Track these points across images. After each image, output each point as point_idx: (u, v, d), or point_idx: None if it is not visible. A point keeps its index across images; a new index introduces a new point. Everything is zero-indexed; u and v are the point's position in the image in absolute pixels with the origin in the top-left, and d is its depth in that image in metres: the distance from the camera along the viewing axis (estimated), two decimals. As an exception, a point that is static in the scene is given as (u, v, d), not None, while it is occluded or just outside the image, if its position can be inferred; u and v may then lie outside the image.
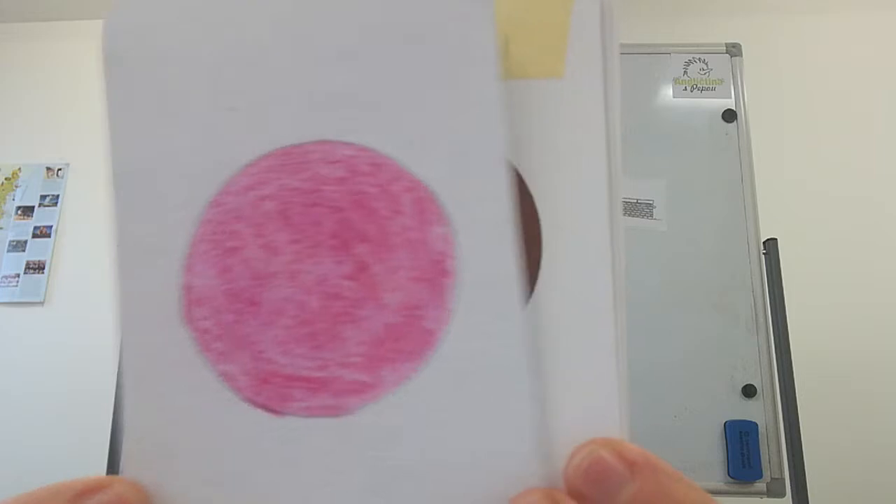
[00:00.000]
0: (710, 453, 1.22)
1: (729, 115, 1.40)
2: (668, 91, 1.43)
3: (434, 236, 0.21)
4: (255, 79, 0.22)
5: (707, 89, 1.43)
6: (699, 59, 1.45)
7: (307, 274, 0.21)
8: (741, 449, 1.21)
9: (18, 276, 2.30)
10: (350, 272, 0.21)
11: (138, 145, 0.22)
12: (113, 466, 1.27)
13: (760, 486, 1.20)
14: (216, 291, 0.21)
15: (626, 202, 1.34)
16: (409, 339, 0.21)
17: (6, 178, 2.41)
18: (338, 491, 0.20)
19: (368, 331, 0.21)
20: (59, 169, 2.40)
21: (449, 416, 0.20)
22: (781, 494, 1.20)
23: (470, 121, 0.22)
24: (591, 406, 0.21)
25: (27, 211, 2.37)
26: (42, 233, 2.34)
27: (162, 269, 0.21)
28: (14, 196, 2.39)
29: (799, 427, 1.24)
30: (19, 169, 2.41)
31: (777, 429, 1.23)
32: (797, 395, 1.27)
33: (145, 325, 0.22)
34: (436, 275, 0.21)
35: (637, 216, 1.33)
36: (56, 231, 2.34)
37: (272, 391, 0.21)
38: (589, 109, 0.22)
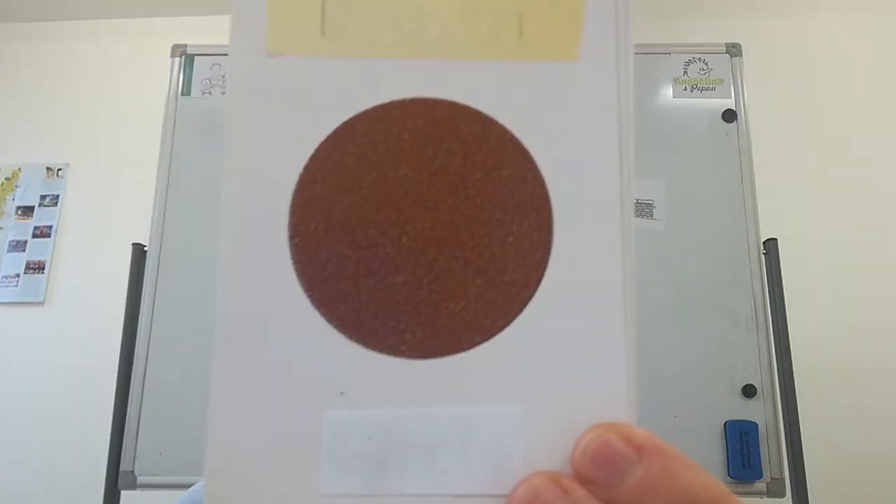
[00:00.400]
0: (710, 453, 1.22)
1: (729, 115, 1.40)
2: (668, 91, 1.43)
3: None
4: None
5: (707, 89, 1.43)
6: (699, 59, 1.45)
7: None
8: (741, 449, 1.21)
9: (18, 276, 2.30)
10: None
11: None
12: (113, 466, 1.27)
13: (760, 486, 1.20)
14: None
15: (626, 202, 1.34)
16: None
17: (6, 178, 2.41)
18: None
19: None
20: (59, 169, 2.40)
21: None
22: (781, 494, 1.20)
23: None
24: (600, 391, 0.21)
25: (27, 211, 2.37)
26: (42, 233, 2.34)
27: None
28: (14, 196, 2.39)
29: (799, 427, 1.24)
30: (19, 169, 2.41)
31: (777, 429, 1.23)
32: (797, 395, 1.27)
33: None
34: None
35: (637, 216, 1.33)
36: (56, 231, 2.34)
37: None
38: (602, 94, 0.22)
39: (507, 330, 0.21)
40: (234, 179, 0.22)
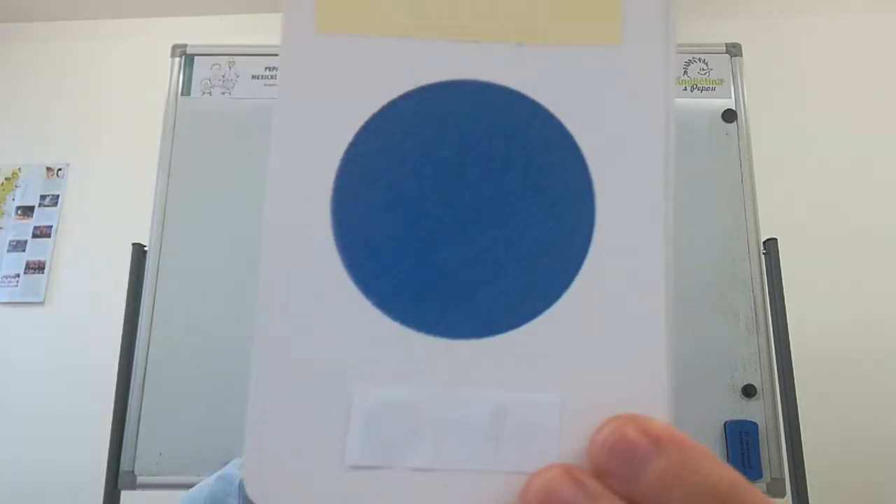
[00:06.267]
0: (710, 453, 1.22)
1: (729, 115, 1.40)
2: (668, 91, 1.43)
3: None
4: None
5: (707, 89, 1.43)
6: (699, 59, 1.45)
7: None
8: (741, 449, 1.21)
9: (18, 276, 2.30)
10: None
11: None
12: (113, 466, 1.27)
13: (760, 486, 1.20)
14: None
15: (626, 202, 1.34)
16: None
17: (6, 178, 2.41)
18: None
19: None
20: (59, 169, 2.40)
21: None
22: (781, 494, 1.20)
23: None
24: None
25: (27, 211, 2.37)
26: (42, 233, 2.34)
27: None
28: (14, 196, 2.39)
29: (799, 427, 1.24)
30: (19, 169, 2.41)
31: (777, 429, 1.23)
32: (797, 395, 1.27)
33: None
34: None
35: (637, 216, 1.33)
36: (56, 231, 2.34)
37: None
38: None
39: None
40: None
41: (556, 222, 0.22)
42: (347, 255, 0.21)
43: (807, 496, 1.23)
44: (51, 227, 2.34)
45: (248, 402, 0.20)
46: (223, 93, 1.46)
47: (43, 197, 2.38)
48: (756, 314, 1.29)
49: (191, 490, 0.72)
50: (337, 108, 0.22)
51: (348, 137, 0.22)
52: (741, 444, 1.21)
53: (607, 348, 0.21)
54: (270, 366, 0.21)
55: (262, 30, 2.17)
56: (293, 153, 0.22)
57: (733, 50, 1.45)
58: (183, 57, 1.48)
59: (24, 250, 2.33)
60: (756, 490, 0.19)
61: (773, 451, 1.22)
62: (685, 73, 1.44)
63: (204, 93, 1.46)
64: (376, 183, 0.22)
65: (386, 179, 0.22)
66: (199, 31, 2.33)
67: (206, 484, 0.71)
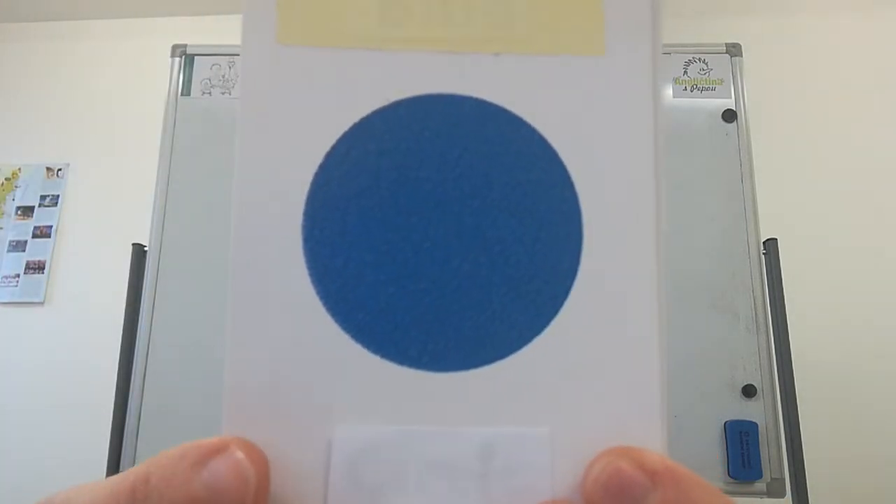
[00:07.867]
0: (710, 453, 1.22)
1: (729, 115, 1.40)
2: (668, 91, 1.43)
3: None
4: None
5: (707, 89, 1.43)
6: (699, 59, 1.45)
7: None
8: (741, 449, 1.21)
9: (18, 276, 2.30)
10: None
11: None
12: (113, 466, 1.27)
13: (760, 486, 1.20)
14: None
15: (626, 202, 1.34)
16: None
17: (6, 178, 2.41)
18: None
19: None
20: (59, 169, 2.40)
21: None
22: (781, 494, 1.20)
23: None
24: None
25: (27, 211, 2.37)
26: (42, 233, 2.34)
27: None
28: (14, 196, 2.39)
29: (799, 427, 1.24)
30: (19, 169, 2.41)
31: (777, 429, 1.23)
32: (797, 395, 1.27)
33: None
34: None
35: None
36: (56, 231, 2.34)
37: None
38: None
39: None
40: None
41: (542, 245, 0.20)
42: (322, 286, 0.20)
43: (807, 496, 1.23)
44: (51, 227, 2.34)
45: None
46: (223, 93, 1.46)
47: (43, 197, 2.38)
48: (756, 314, 1.29)
49: None
50: (304, 128, 0.20)
51: (318, 159, 0.20)
52: (741, 444, 1.21)
53: (599, 377, 0.20)
54: (244, 408, 0.19)
55: (262, 30, 2.17)
56: (258, 179, 0.20)
57: (733, 50, 1.45)
58: (183, 57, 1.48)
59: (24, 250, 2.33)
60: None
61: (773, 451, 1.22)
62: (685, 73, 1.44)
63: (204, 93, 1.46)
64: (349, 208, 0.20)
65: (360, 204, 0.20)
66: (199, 31, 2.33)
67: None
